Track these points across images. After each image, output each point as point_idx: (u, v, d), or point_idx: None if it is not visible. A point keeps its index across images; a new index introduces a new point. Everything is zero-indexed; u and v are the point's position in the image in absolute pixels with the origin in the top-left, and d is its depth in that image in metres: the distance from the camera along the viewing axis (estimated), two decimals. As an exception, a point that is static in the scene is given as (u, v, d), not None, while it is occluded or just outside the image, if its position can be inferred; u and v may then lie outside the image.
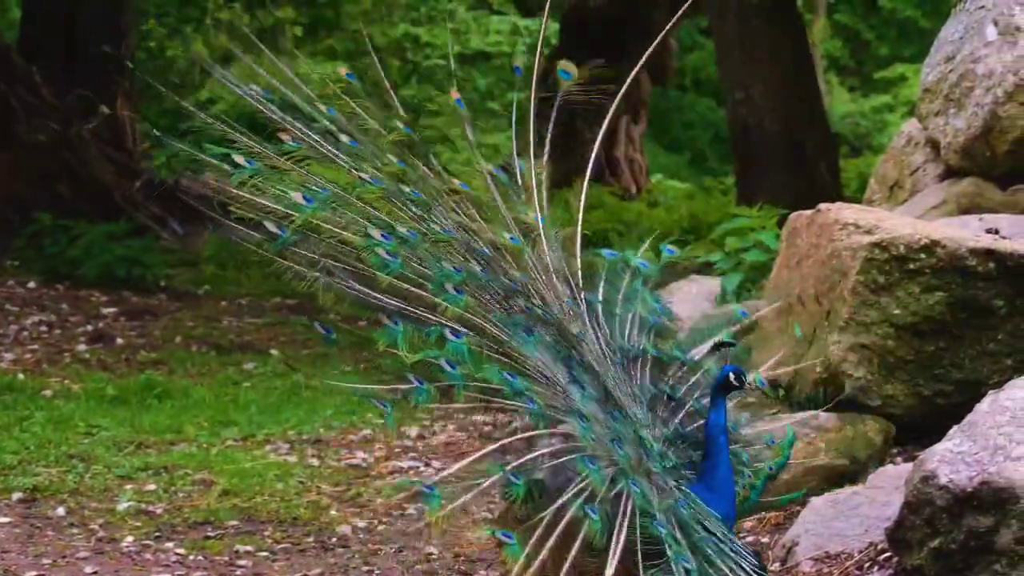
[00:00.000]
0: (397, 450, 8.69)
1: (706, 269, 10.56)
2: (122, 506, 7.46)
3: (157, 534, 7.08)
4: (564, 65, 5.63)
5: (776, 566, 5.86)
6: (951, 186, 8.32)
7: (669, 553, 4.72)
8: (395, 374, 5.04)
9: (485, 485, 4.81)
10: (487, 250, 5.26)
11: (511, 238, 5.29)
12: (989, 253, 6.63)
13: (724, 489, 5.05)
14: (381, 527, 7.29)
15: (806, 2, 25.63)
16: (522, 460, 4.84)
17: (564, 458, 4.86)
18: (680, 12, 6.91)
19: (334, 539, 7.09)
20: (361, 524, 7.30)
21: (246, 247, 5.25)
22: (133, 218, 15.02)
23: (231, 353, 11.67)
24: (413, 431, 9.06)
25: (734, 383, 5.13)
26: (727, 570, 4.80)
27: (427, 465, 8.31)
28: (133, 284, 13.99)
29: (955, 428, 5.27)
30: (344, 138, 5.39)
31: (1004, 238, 7.01)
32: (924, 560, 5.08)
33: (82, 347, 11.64)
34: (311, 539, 7.08)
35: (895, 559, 5.32)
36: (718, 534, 4.90)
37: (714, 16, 17.67)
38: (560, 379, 5.05)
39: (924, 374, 6.74)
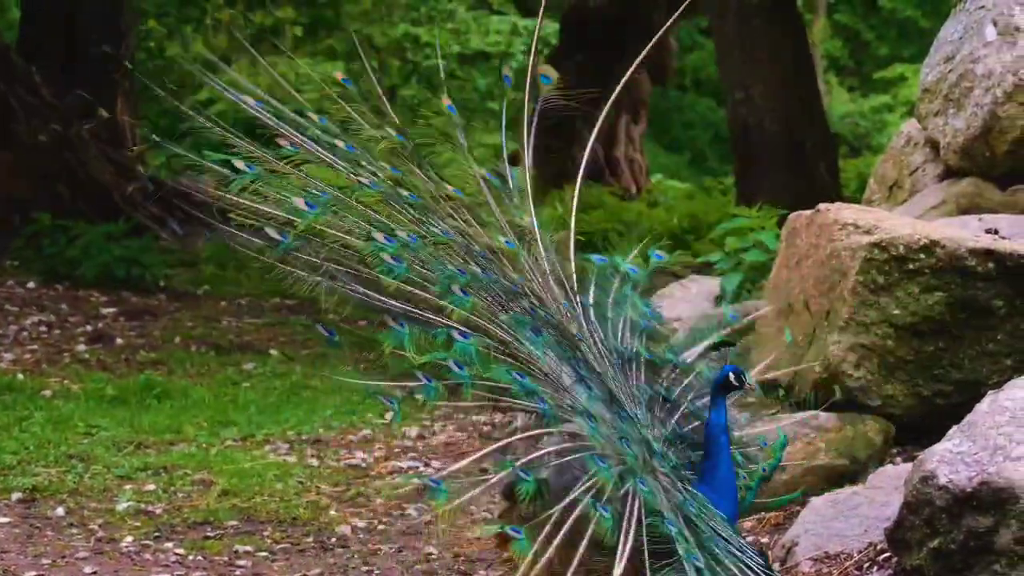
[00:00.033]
0: (397, 450, 8.70)
1: (706, 269, 10.56)
2: (121, 506, 7.46)
3: (156, 534, 7.08)
4: (544, 70, 5.64)
5: (776, 566, 5.86)
6: (950, 186, 8.32)
7: (680, 551, 4.73)
8: (401, 373, 5.04)
9: (494, 480, 4.81)
10: (485, 253, 5.28)
11: (507, 242, 5.30)
12: (988, 253, 6.63)
13: (726, 489, 5.05)
14: (381, 527, 7.29)
15: (806, 2, 25.63)
16: (531, 457, 4.85)
17: (571, 457, 4.86)
18: (678, 12, 6.90)
19: (333, 539, 7.09)
20: (361, 524, 7.30)
21: (247, 253, 5.24)
22: (132, 218, 15.02)
23: (230, 353, 11.67)
24: (413, 431, 9.06)
25: (734, 383, 5.14)
26: (736, 569, 4.81)
27: (427, 465, 8.31)
28: (132, 284, 14.00)
29: (955, 428, 5.27)
30: (340, 143, 5.40)
31: (1003, 238, 7.01)
32: (924, 560, 5.08)
33: (81, 347, 11.64)
34: (310, 539, 7.08)
35: (894, 559, 5.32)
36: (724, 533, 4.90)
37: (714, 16, 17.66)
38: (566, 379, 5.07)
39: (924, 374, 6.74)
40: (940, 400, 6.72)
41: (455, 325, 5.08)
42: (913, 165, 8.86)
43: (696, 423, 5.28)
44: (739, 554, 4.86)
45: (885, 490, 5.93)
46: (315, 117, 5.42)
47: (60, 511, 7.40)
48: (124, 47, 16.99)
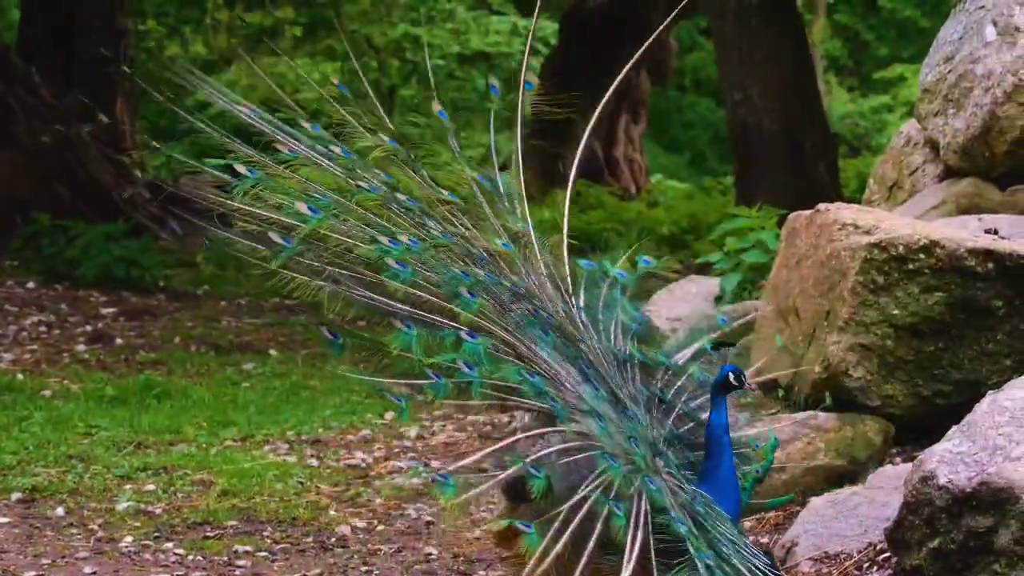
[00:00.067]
0: (396, 450, 8.70)
1: (706, 269, 10.56)
2: (121, 506, 7.46)
3: (156, 534, 7.08)
4: (527, 76, 5.66)
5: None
6: (950, 186, 8.32)
7: (690, 550, 4.73)
8: (410, 371, 5.04)
9: (503, 476, 4.81)
10: (484, 255, 5.29)
11: (503, 244, 5.31)
12: (988, 253, 6.63)
13: (728, 488, 5.06)
14: (380, 527, 7.29)
15: (805, 2, 25.63)
16: (540, 454, 4.85)
17: (579, 456, 4.87)
18: (675, 11, 6.91)
19: (333, 539, 7.09)
20: (360, 524, 7.30)
21: (249, 260, 5.24)
22: (132, 218, 15.02)
23: (230, 353, 11.68)
24: (413, 431, 9.06)
25: (734, 383, 5.15)
26: (744, 569, 4.81)
27: (426, 465, 8.31)
28: (132, 284, 14.00)
29: (954, 428, 5.27)
30: (337, 148, 5.40)
31: (1003, 238, 7.01)
32: (923, 560, 5.08)
33: (81, 347, 11.65)
34: (310, 539, 7.08)
35: (894, 559, 5.32)
36: (730, 533, 4.91)
37: (713, 16, 17.67)
38: (572, 379, 5.08)
39: (923, 374, 6.74)
40: (940, 400, 6.72)
41: (462, 327, 5.08)
42: (913, 165, 8.86)
43: (691, 424, 5.29)
44: (746, 553, 4.87)
45: (885, 490, 5.93)
46: (307, 125, 5.42)
47: (60, 511, 7.40)
48: (123, 48, 16.99)
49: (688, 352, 5.51)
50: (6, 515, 7.33)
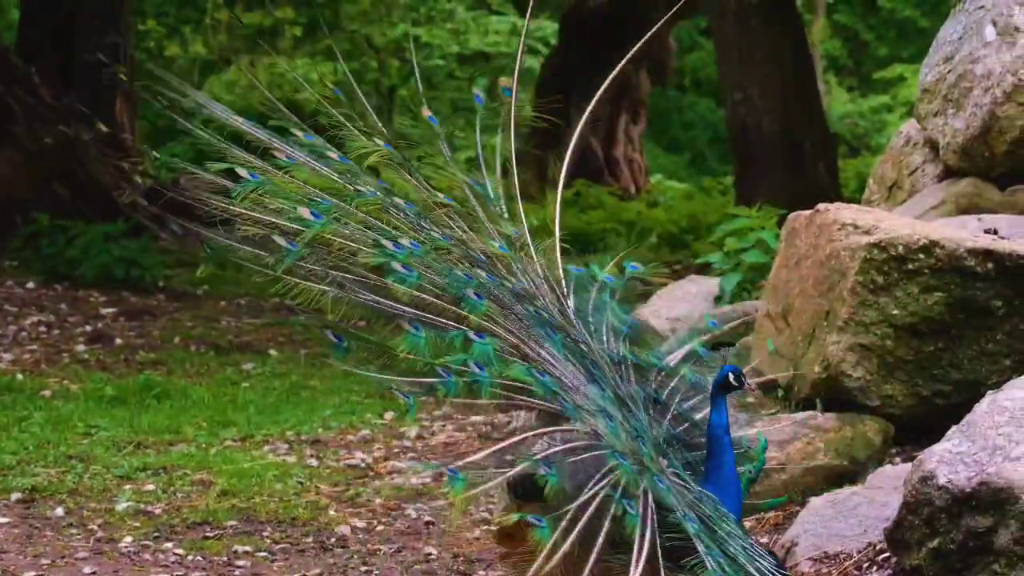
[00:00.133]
0: (396, 450, 8.70)
1: (706, 269, 10.56)
2: (121, 506, 7.46)
3: (156, 534, 7.08)
4: (505, 82, 5.67)
5: (777, 567, 5.86)
6: (950, 186, 8.32)
7: (701, 548, 4.74)
8: (416, 371, 5.05)
9: (513, 472, 4.81)
10: (482, 258, 5.30)
11: (500, 247, 5.32)
12: (988, 253, 6.63)
13: (731, 488, 5.06)
14: (380, 527, 7.29)
15: (805, 2, 25.63)
16: (548, 452, 4.86)
17: (586, 455, 4.87)
18: (673, 10, 6.92)
19: (333, 539, 7.09)
20: (360, 524, 7.30)
21: (252, 267, 5.23)
22: (131, 218, 15.02)
23: (230, 353, 11.68)
24: (412, 431, 9.06)
25: (733, 383, 5.15)
26: (753, 569, 4.81)
27: (415, 472, 8.30)
28: (132, 284, 14.01)
29: (954, 428, 5.27)
30: (333, 154, 5.41)
31: (1003, 238, 7.01)
32: (923, 560, 5.08)
33: (81, 347, 11.64)
34: (310, 539, 7.08)
35: (894, 559, 5.32)
36: (736, 533, 4.92)
37: (713, 17, 17.67)
38: (580, 379, 5.08)
39: (923, 374, 6.75)
40: (939, 400, 6.72)
41: (469, 328, 5.09)
42: (912, 165, 8.87)
43: (686, 425, 5.31)
44: (753, 554, 4.88)
45: (884, 490, 5.93)
46: (300, 134, 5.42)
47: (59, 511, 7.40)
48: (123, 48, 16.99)
49: (679, 354, 5.52)
50: (6, 515, 7.33)
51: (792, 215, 7.38)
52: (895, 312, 6.68)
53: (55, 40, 16.63)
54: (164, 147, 17.17)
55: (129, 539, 6.99)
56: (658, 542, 4.74)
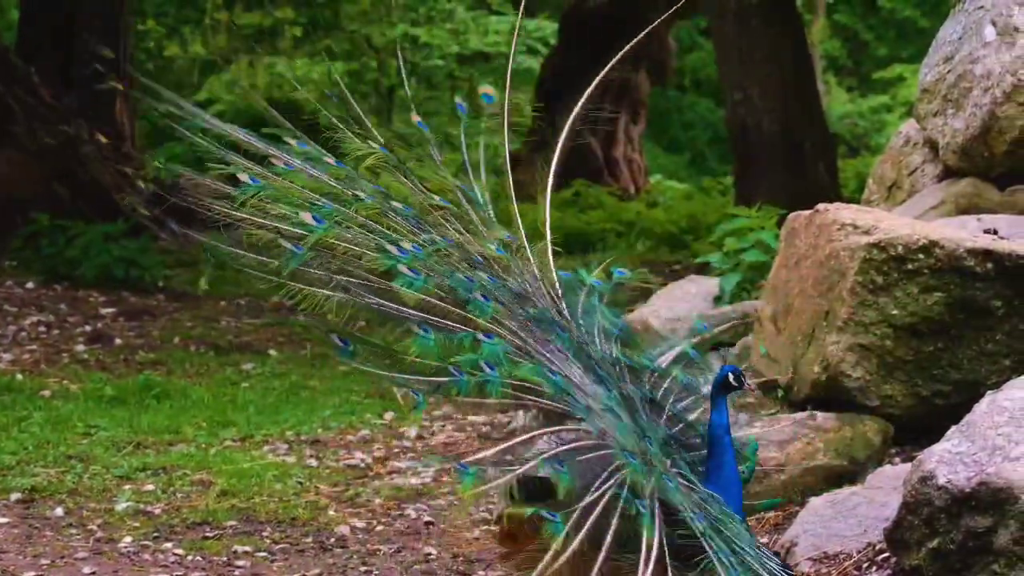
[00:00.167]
0: (396, 450, 8.70)
1: (706, 269, 10.56)
2: (120, 506, 7.46)
3: (155, 534, 7.08)
4: (485, 89, 5.69)
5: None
6: (949, 186, 8.32)
7: (712, 547, 4.75)
8: (426, 371, 5.05)
9: (523, 470, 4.82)
10: (481, 259, 5.31)
11: (496, 249, 5.33)
12: (987, 253, 6.63)
13: (732, 488, 5.07)
14: (379, 527, 7.29)
15: (805, 2, 25.63)
16: (557, 450, 4.86)
17: (592, 454, 4.88)
18: (672, 9, 6.91)
19: (332, 539, 7.09)
20: (359, 524, 7.30)
21: (256, 275, 5.24)
22: (131, 218, 15.02)
23: (229, 353, 11.68)
24: (412, 431, 9.06)
25: (733, 383, 5.16)
26: (762, 569, 4.82)
27: (425, 466, 8.31)
28: (131, 284, 14.01)
29: (953, 428, 5.27)
30: (330, 159, 5.41)
31: (1002, 238, 7.01)
32: (922, 560, 5.08)
33: (80, 347, 11.64)
34: (309, 539, 7.08)
35: (893, 559, 5.32)
36: (741, 532, 4.93)
37: (713, 17, 17.67)
38: (586, 378, 5.09)
39: (922, 374, 6.75)
40: (939, 400, 6.72)
41: (476, 329, 5.09)
42: (912, 165, 8.87)
43: (680, 425, 5.31)
44: (759, 553, 4.89)
45: (884, 490, 5.93)
46: (294, 142, 5.43)
47: (59, 511, 7.40)
48: (123, 48, 16.99)
49: (670, 355, 5.53)
50: (5, 515, 7.33)
51: (792, 215, 7.38)
52: (895, 312, 6.69)
53: (55, 40, 16.63)
54: (164, 147, 17.18)
55: (129, 539, 6.99)
56: (665, 542, 4.75)
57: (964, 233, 6.91)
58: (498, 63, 26.56)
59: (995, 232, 7.20)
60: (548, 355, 5.12)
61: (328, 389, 10.32)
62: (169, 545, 6.92)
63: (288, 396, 10.13)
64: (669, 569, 4.73)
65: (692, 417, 5.35)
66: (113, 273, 14.01)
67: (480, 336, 5.06)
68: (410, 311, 5.13)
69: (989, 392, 5.47)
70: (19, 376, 10.39)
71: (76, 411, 9.33)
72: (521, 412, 7.03)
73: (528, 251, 5.41)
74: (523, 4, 6.25)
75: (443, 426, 9.21)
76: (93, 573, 6.56)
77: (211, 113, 5.60)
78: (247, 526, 7.25)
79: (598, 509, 4.75)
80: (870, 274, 6.68)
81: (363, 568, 6.69)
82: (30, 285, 13.87)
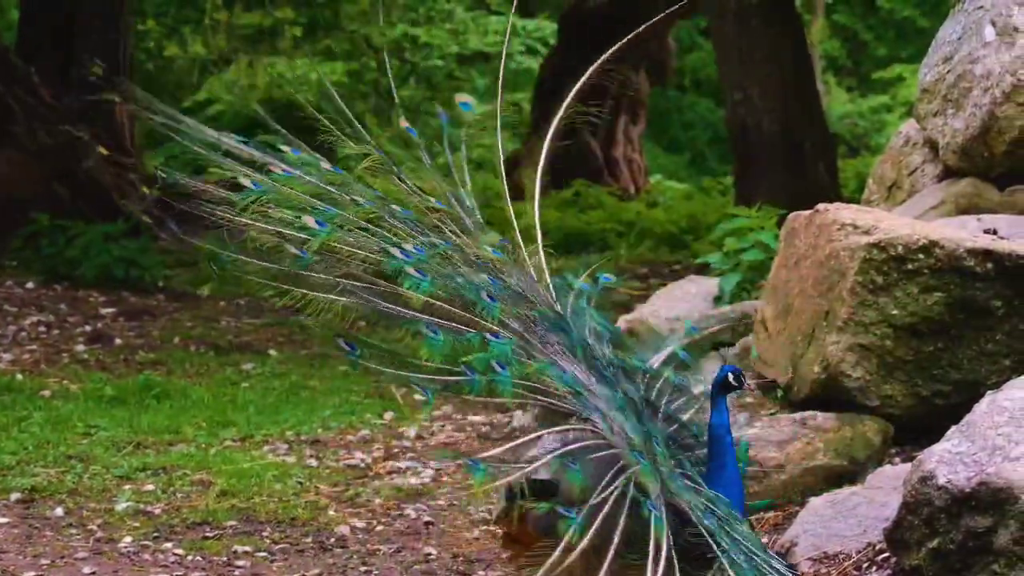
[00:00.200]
0: (395, 450, 8.70)
1: (705, 269, 10.56)
2: (120, 506, 7.46)
3: (155, 534, 7.08)
4: (462, 97, 5.70)
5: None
6: (949, 186, 8.32)
7: (720, 546, 4.75)
8: (439, 371, 5.07)
9: (535, 467, 4.82)
10: (480, 261, 5.31)
11: (493, 251, 5.34)
12: (987, 253, 6.63)
13: (733, 488, 5.07)
14: (379, 527, 7.29)
15: (804, 2, 25.63)
16: (570, 448, 4.87)
17: (601, 453, 4.89)
18: (668, 11, 6.92)
19: (332, 539, 7.09)
20: (359, 524, 7.30)
21: (262, 282, 5.25)
22: (131, 218, 15.03)
23: (229, 353, 11.68)
24: (412, 431, 9.06)
25: (733, 383, 5.17)
26: (767, 568, 4.83)
27: (425, 466, 8.31)
28: (131, 284, 14.01)
29: (953, 428, 5.27)
30: (326, 164, 5.42)
31: (1002, 238, 7.01)
32: (922, 560, 5.08)
33: (80, 347, 11.64)
34: (309, 539, 7.09)
35: (893, 559, 5.32)
36: (747, 533, 4.94)
37: (713, 17, 17.67)
38: (592, 378, 5.10)
39: (922, 374, 6.75)
40: (939, 400, 6.72)
41: (484, 330, 5.10)
42: (912, 165, 8.87)
43: (675, 426, 5.32)
44: (764, 553, 4.90)
45: (884, 490, 5.93)
46: (287, 149, 5.44)
47: (59, 511, 7.40)
48: (123, 48, 16.99)
49: (661, 356, 5.54)
50: (5, 515, 7.33)
51: (792, 215, 7.38)
52: (895, 312, 6.69)
53: (55, 40, 16.63)
54: (164, 146, 17.17)
55: (129, 539, 7.00)
56: (672, 542, 4.76)
57: (964, 233, 6.91)
58: (497, 63, 26.56)
59: (995, 232, 7.20)
60: (553, 355, 5.12)
61: (328, 389, 10.32)
62: (169, 545, 6.92)
63: (288, 396, 10.13)
64: (677, 570, 4.74)
65: (685, 417, 5.36)
66: (113, 273, 14.02)
67: (488, 336, 5.07)
68: (415, 313, 5.14)
69: (989, 392, 5.47)
70: (19, 376, 10.39)
71: (76, 411, 9.33)
72: (520, 412, 7.04)
73: (524, 252, 5.42)
74: (514, 6, 6.27)
75: (443, 426, 9.21)
76: (93, 573, 6.56)
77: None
78: (247, 526, 7.25)
79: (606, 508, 4.76)
80: (870, 274, 6.68)
81: (363, 568, 6.69)
82: (30, 285, 13.87)
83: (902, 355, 6.73)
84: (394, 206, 5.37)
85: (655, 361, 5.51)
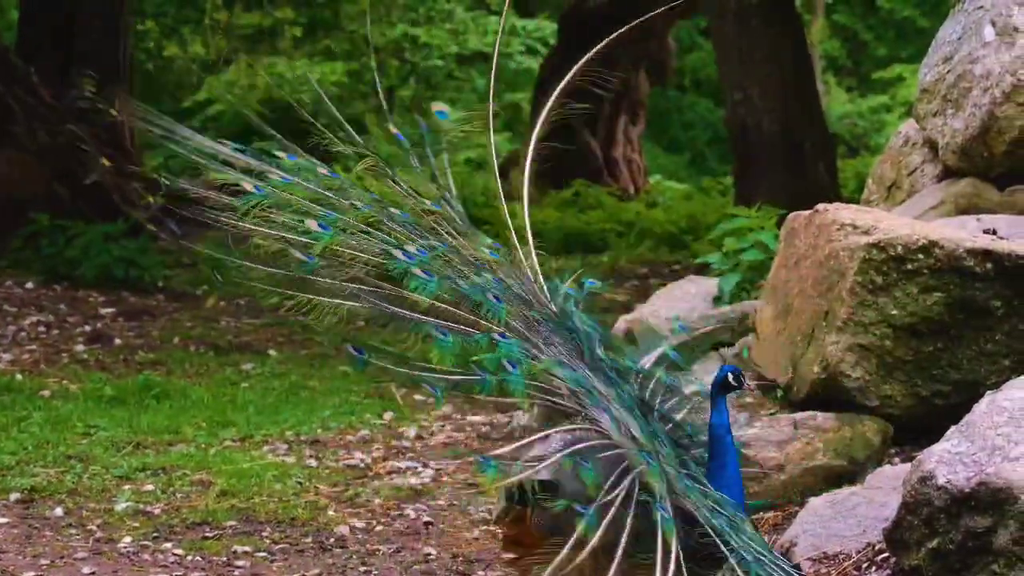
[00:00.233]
0: (395, 451, 8.70)
1: (705, 269, 10.56)
2: (120, 506, 7.46)
3: (155, 534, 7.08)
4: (439, 107, 5.71)
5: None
6: (949, 186, 8.32)
7: (730, 545, 4.76)
8: (451, 371, 5.07)
9: (545, 464, 4.82)
10: (480, 263, 5.32)
11: (490, 252, 5.35)
12: (987, 254, 6.63)
13: (734, 489, 5.08)
14: (379, 527, 7.29)
15: (804, 2, 25.63)
16: (581, 446, 4.88)
17: (608, 452, 4.89)
18: (662, 9, 6.91)
19: (332, 539, 7.09)
20: (359, 524, 7.30)
21: (264, 288, 5.26)
22: (131, 218, 15.03)
23: (229, 353, 11.68)
24: (412, 431, 9.06)
25: (733, 383, 5.17)
26: (775, 568, 4.83)
27: (425, 466, 8.31)
28: (131, 284, 14.01)
29: (953, 429, 5.27)
30: (324, 170, 5.43)
31: (1002, 239, 7.01)
32: (922, 560, 5.08)
33: (80, 347, 11.65)
34: (309, 539, 7.09)
35: (893, 560, 5.32)
36: (753, 534, 4.95)
37: (713, 17, 17.67)
38: (598, 378, 5.10)
39: (922, 374, 6.74)
40: (938, 400, 6.72)
41: (494, 330, 5.10)
42: (911, 165, 8.86)
43: (669, 425, 5.32)
44: (769, 553, 4.90)
45: (883, 490, 5.93)
46: (283, 155, 5.44)
47: (59, 511, 7.40)
48: (123, 48, 16.99)
49: (651, 357, 5.54)
50: (5, 515, 7.33)
51: (791, 215, 7.38)
52: (894, 312, 6.68)
53: (55, 40, 16.63)
54: (163, 147, 17.16)
55: (128, 539, 7.00)
56: (679, 543, 4.77)
57: (964, 233, 6.91)
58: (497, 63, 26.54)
59: (994, 232, 7.20)
60: (558, 356, 5.13)
61: (328, 389, 10.32)
62: (169, 545, 6.92)
63: (288, 396, 10.13)
64: (684, 570, 4.74)
65: (679, 417, 5.36)
66: (113, 273, 14.02)
67: (496, 336, 5.07)
68: (419, 316, 5.14)
69: (989, 392, 5.47)
70: (19, 376, 10.39)
71: (76, 411, 9.33)
72: (520, 412, 7.04)
73: (519, 254, 5.42)
74: (507, 6, 6.27)
75: (442, 426, 9.21)
76: (93, 573, 6.56)
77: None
78: (247, 526, 7.25)
79: (614, 508, 4.76)
80: (869, 274, 6.68)
81: (362, 568, 6.69)
82: (30, 285, 13.87)
83: (902, 355, 6.73)
84: (392, 209, 5.37)
85: (646, 362, 5.52)
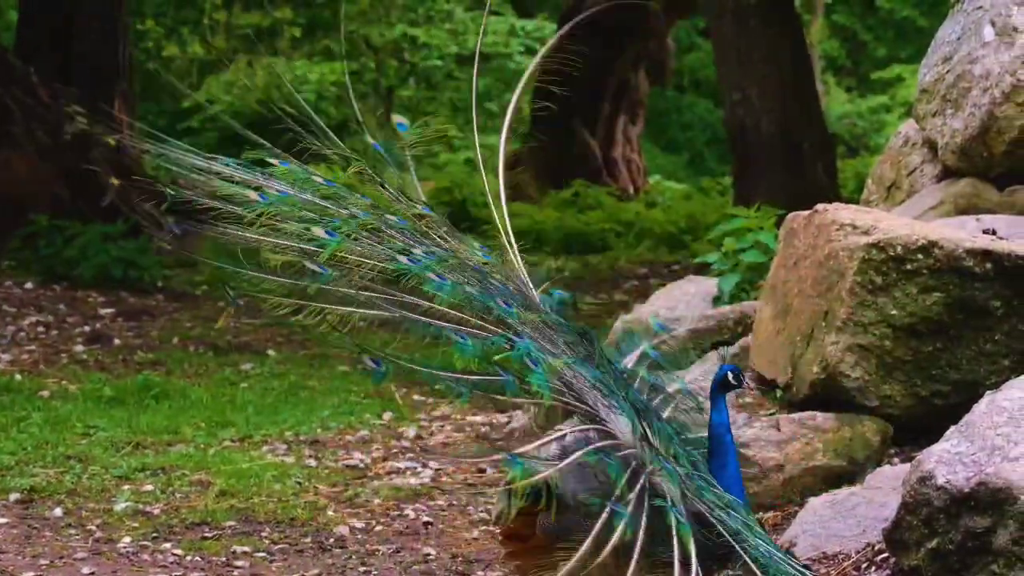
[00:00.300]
0: (394, 451, 8.70)
1: (704, 269, 10.56)
2: (119, 507, 7.45)
3: (154, 535, 7.08)
4: (398, 118, 5.73)
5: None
6: (948, 187, 8.32)
7: (745, 544, 4.77)
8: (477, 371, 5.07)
9: (569, 461, 4.82)
10: (477, 265, 5.32)
11: (483, 255, 5.35)
12: (986, 254, 6.63)
13: (735, 487, 5.08)
14: (378, 528, 7.29)
15: (804, 2, 25.64)
16: (602, 444, 4.88)
17: (618, 453, 4.90)
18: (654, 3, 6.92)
19: (331, 540, 7.09)
20: (359, 525, 7.30)
21: (277, 300, 5.26)
22: (130, 219, 15.01)
23: (228, 354, 11.67)
24: (411, 431, 9.06)
25: (732, 382, 5.18)
26: (787, 566, 4.84)
27: (424, 466, 8.31)
28: (130, 284, 14.01)
29: (952, 429, 5.27)
30: (318, 178, 5.43)
31: (1001, 239, 7.01)
32: (922, 561, 5.08)
33: (79, 348, 11.64)
34: (308, 540, 7.08)
35: (892, 560, 5.32)
36: (763, 533, 4.96)
37: (712, 17, 17.68)
38: (612, 379, 5.11)
39: (922, 375, 6.75)
40: (938, 400, 6.72)
41: (508, 331, 5.11)
42: (911, 166, 8.87)
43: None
44: (779, 552, 4.91)
45: (883, 491, 5.93)
46: (276, 162, 5.44)
47: (58, 512, 7.39)
48: (122, 49, 16.99)
49: (633, 356, 5.54)
50: (4, 516, 7.33)
51: (791, 215, 7.38)
52: (894, 312, 6.69)
53: (53, 41, 16.62)
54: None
55: (128, 539, 6.99)
56: (693, 544, 4.78)
57: (963, 233, 6.91)
58: (497, 63, 26.58)
59: (994, 232, 7.20)
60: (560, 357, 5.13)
61: (327, 389, 10.31)
62: (168, 545, 6.92)
63: (287, 396, 10.13)
64: (700, 570, 4.75)
65: (665, 415, 5.37)
66: (112, 273, 14.02)
67: (513, 337, 5.07)
68: (438, 320, 5.14)
69: (988, 392, 5.48)
70: (18, 376, 10.38)
71: (75, 411, 9.32)
72: (520, 412, 7.04)
73: (514, 253, 5.43)
74: (488, 7, 6.29)
75: (442, 426, 9.21)
76: (92, 573, 6.56)
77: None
78: (246, 526, 7.25)
79: (630, 508, 4.77)
80: (869, 274, 6.68)
81: (362, 568, 6.69)
82: (29, 285, 13.87)
83: (901, 355, 6.73)
84: (390, 216, 5.38)
85: (629, 361, 5.53)
